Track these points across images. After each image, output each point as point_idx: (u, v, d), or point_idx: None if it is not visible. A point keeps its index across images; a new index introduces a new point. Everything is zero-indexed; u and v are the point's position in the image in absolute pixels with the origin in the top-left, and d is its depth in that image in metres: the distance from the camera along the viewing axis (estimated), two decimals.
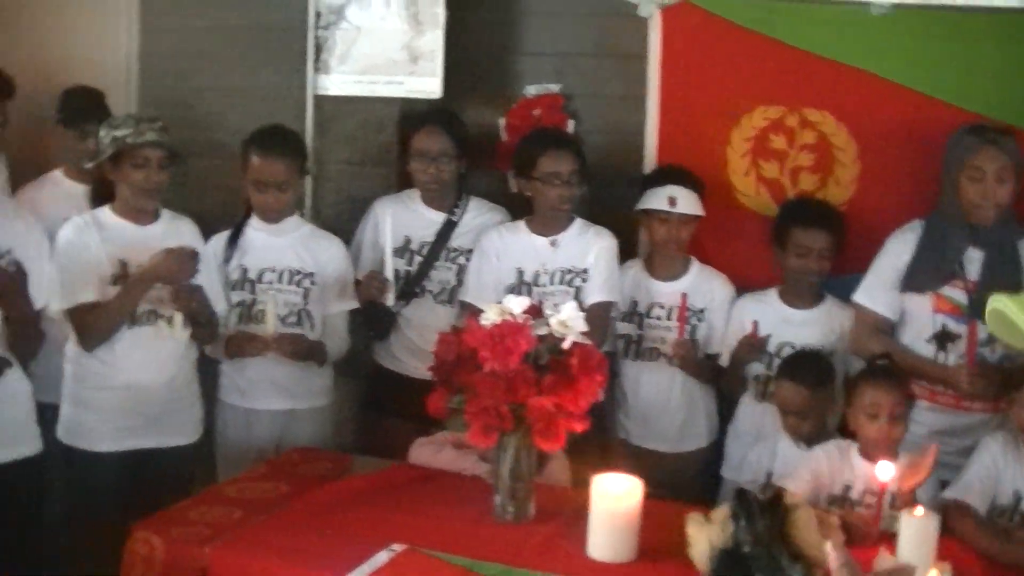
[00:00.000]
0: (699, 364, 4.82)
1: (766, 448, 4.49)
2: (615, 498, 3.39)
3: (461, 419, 3.50)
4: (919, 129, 4.75)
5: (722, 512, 3.29)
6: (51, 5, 5.83)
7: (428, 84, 5.22)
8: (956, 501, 3.85)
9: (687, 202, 4.76)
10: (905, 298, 4.44)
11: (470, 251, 4.94)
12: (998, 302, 3.73)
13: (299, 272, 4.76)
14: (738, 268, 4.95)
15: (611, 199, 5.03)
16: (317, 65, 5.34)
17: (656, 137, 5.15)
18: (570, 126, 5.31)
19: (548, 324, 3.52)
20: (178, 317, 4.40)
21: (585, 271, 4.79)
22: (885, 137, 4.87)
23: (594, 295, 4.76)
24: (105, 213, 4.45)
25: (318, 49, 5.33)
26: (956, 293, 4.34)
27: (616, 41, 5.23)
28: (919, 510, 3.33)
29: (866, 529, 3.57)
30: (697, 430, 4.90)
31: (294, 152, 4.77)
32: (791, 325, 4.73)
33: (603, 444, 4.71)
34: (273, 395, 4.76)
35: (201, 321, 4.48)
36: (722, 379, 4.86)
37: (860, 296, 4.54)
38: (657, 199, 4.77)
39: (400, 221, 4.92)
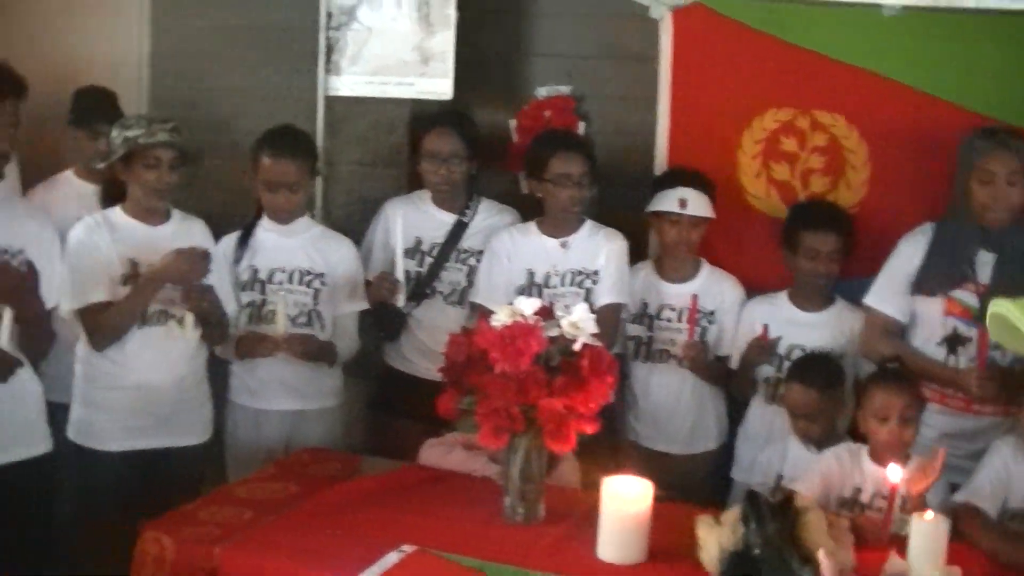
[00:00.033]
0: (709, 366, 4.82)
1: (776, 450, 4.49)
2: (625, 500, 3.39)
3: (471, 420, 3.50)
4: (930, 131, 4.74)
5: (732, 514, 3.30)
6: (63, 5, 5.85)
7: (439, 85, 5.22)
8: (966, 504, 3.84)
9: (698, 204, 4.76)
10: (916, 301, 4.43)
11: (481, 252, 4.95)
12: (999, 306, 3.68)
13: (309, 273, 4.76)
14: (748, 270, 4.95)
15: (622, 201, 5.02)
16: (328, 66, 5.34)
17: (667, 139, 5.15)
18: (581, 128, 5.30)
19: (559, 326, 3.52)
20: (189, 317, 4.40)
21: (595, 273, 4.79)
22: (896, 139, 4.86)
23: (604, 297, 4.76)
24: (116, 213, 4.45)
25: (329, 50, 5.33)
26: (967, 296, 4.32)
27: (627, 43, 5.23)
28: (929, 514, 3.33)
29: (876, 533, 3.56)
30: (707, 432, 4.90)
31: (305, 153, 4.77)
32: (801, 327, 4.72)
33: (613, 446, 4.70)
34: (283, 395, 4.76)
35: (212, 321, 4.48)
36: (732, 381, 4.86)
37: (871, 299, 4.53)
38: (668, 201, 4.77)
39: (411, 222, 4.93)
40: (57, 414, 4.33)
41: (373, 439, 5.05)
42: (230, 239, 4.80)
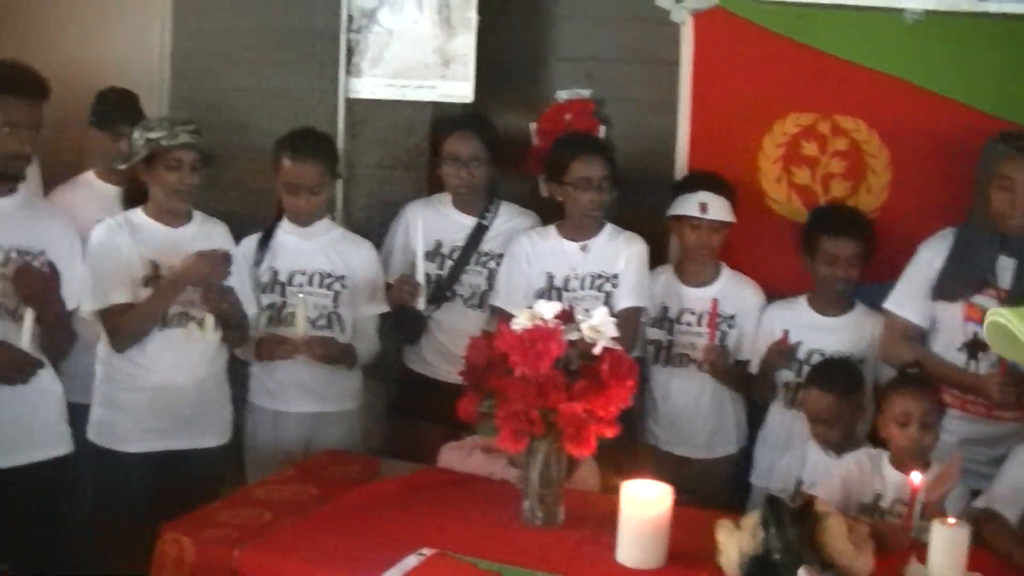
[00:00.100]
0: (729, 370, 4.81)
1: (795, 455, 4.48)
2: (644, 504, 3.38)
3: (491, 423, 3.50)
4: (951, 136, 4.73)
5: (752, 519, 3.29)
6: (85, 7, 5.87)
7: (460, 88, 5.22)
8: (987, 510, 3.82)
9: (718, 208, 4.76)
10: (936, 306, 4.43)
11: (501, 255, 4.95)
12: (997, 315, 3.61)
13: (329, 275, 4.77)
14: (769, 274, 4.94)
15: (642, 204, 5.01)
16: (349, 68, 5.34)
17: (687, 143, 5.14)
18: (601, 131, 5.30)
19: (579, 329, 3.51)
20: (209, 319, 4.42)
21: (615, 276, 4.78)
22: (917, 144, 4.85)
23: (624, 300, 4.76)
24: (137, 215, 4.46)
25: (350, 52, 5.33)
26: (988, 301, 4.29)
27: (648, 46, 5.22)
28: (951, 519, 3.32)
29: (897, 538, 3.55)
30: (726, 436, 4.89)
31: (326, 155, 4.77)
32: (821, 332, 4.72)
33: (632, 450, 4.70)
34: (302, 398, 4.77)
35: (232, 323, 4.50)
36: (752, 386, 4.85)
37: (891, 303, 4.52)
38: (688, 205, 4.77)
39: (431, 225, 4.93)
40: (77, 415, 4.35)
41: (392, 442, 5.06)
42: (250, 241, 4.81)
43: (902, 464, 3.90)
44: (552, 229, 4.90)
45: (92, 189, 5.11)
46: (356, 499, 3.81)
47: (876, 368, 4.63)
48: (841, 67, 4.90)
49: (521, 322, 3.50)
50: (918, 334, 4.48)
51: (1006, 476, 3.93)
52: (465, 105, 5.24)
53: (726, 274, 4.90)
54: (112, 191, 4.90)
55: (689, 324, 4.85)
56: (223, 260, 4.32)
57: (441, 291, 4.97)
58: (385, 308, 4.88)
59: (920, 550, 3.36)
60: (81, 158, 5.31)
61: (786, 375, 4.73)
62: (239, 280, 4.51)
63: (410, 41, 5.27)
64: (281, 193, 4.75)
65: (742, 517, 3.37)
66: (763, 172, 5.05)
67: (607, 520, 3.48)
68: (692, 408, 4.84)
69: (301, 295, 4.68)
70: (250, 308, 4.62)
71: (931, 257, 4.44)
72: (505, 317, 3.95)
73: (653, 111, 5.22)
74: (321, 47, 5.36)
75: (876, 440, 4.15)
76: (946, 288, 4.39)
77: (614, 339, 3.51)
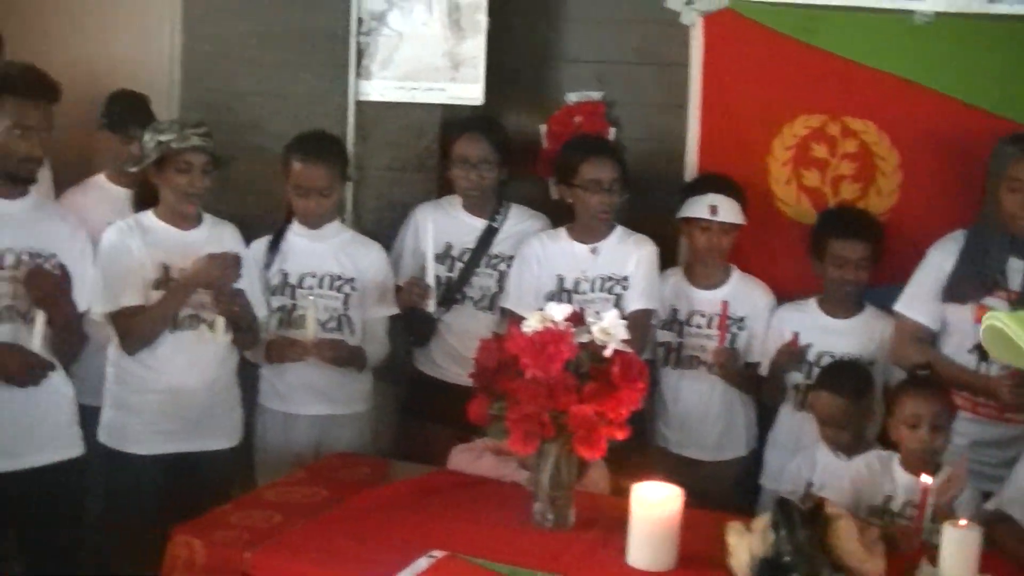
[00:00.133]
0: (739, 372, 4.81)
1: (805, 458, 4.47)
2: (655, 506, 3.38)
3: (501, 426, 3.49)
4: (962, 138, 4.73)
5: (762, 521, 3.29)
6: (95, 9, 5.86)
7: (469, 90, 5.23)
8: (998, 512, 3.82)
9: (728, 210, 4.76)
10: (947, 308, 4.42)
11: (511, 258, 4.95)
12: (994, 319, 3.63)
13: (339, 277, 4.77)
14: (779, 277, 4.94)
15: (652, 207, 5.01)
16: (359, 71, 5.34)
17: (697, 145, 5.14)
18: (611, 133, 5.31)
19: (590, 332, 3.51)
20: (220, 321, 4.42)
21: (625, 278, 4.79)
22: (927, 146, 4.85)
23: (634, 303, 4.76)
24: (148, 217, 4.47)
25: (360, 55, 5.34)
26: (998, 303, 4.29)
27: (658, 48, 5.23)
28: (962, 522, 3.31)
29: (907, 541, 3.55)
30: (736, 439, 4.89)
31: (336, 158, 4.78)
32: (830, 334, 4.71)
33: (642, 452, 4.69)
34: (312, 400, 4.77)
35: (242, 326, 4.50)
36: (762, 388, 4.85)
37: (901, 305, 4.52)
38: (698, 207, 4.77)
39: (441, 227, 4.93)
40: (88, 417, 4.35)
41: (403, 444, 5.06)
42: (261, 243, 4.81)
43: (912, 466, 3.90)
44: (562, 231, 4.91)
45: (103, 192, 5.10)
46: (366, 501, 3.81)
47: (886, 370, 4.62)
48: (851, 69, 4.90)
49: (532, 324, 3.50)
50: (928, 336, 4.47)
51: (1017, 478, 3.92)
52: (475, 107, 5.25)
53: (736, 276, 4.90)
54: (123, 194, 4.91)
55: (699, 326, 4.85)
56: (234, 263, 4.33)
57: (451, 293, 4.97)
58: (395, 310, 4.89)
59: (931, 552, 3.35)
60: (92, 160, 5.32)
61: (796, 377, 4.72)
62: (249, 283, 4.51)
63: (420, 43, 5.27)
64: (291, 195, 4.76)
65: (752, 519, 3.37)
66: (773, 174, 5.05)
67: (617, 522, 3.48)
68: (702, 410, 4.84)
69: (311, 297, 4.68)
70: (260, 310, 4.62)
71: (941, 259, 4.43)
72: (515, 319, 3.95)
73: (663, 113, 5.23)
74: (331, 50, 5.36)
75: (886, 442, 4.15)
76: (956, 290, 4.38)
77: (624, 341, 3.51)
